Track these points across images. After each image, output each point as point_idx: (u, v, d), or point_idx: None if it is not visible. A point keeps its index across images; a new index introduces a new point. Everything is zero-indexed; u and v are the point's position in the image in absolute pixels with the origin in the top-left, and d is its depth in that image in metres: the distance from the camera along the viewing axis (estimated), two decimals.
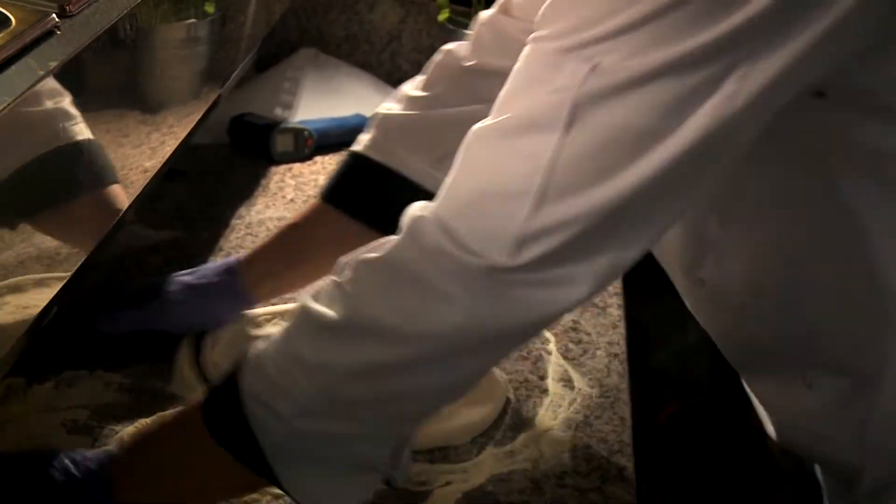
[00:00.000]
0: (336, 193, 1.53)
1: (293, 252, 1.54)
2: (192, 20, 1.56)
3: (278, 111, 2.21)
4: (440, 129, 1.48)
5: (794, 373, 1.24)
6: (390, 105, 1.54)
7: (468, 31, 1.79)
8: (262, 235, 1.79)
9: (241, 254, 1.55)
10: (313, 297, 1.08)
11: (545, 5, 1.03)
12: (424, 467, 1.33)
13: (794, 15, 0.91)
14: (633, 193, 0.95)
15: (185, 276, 1.53)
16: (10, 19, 1.10)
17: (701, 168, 0.98)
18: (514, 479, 1.32)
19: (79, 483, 1.18)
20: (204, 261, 1.72)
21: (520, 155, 0.99)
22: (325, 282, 1.09)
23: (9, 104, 0.95)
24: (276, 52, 2.39)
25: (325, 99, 2.24)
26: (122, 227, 1.39)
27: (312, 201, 1.55)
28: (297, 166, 2.06)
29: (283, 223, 1.60)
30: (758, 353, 1.31)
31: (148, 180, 1.40)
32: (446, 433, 1.35)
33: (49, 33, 1.11)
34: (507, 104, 1.03)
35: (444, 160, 1.37)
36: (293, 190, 1.99)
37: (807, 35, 0.92)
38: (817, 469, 1.40)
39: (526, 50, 1.04)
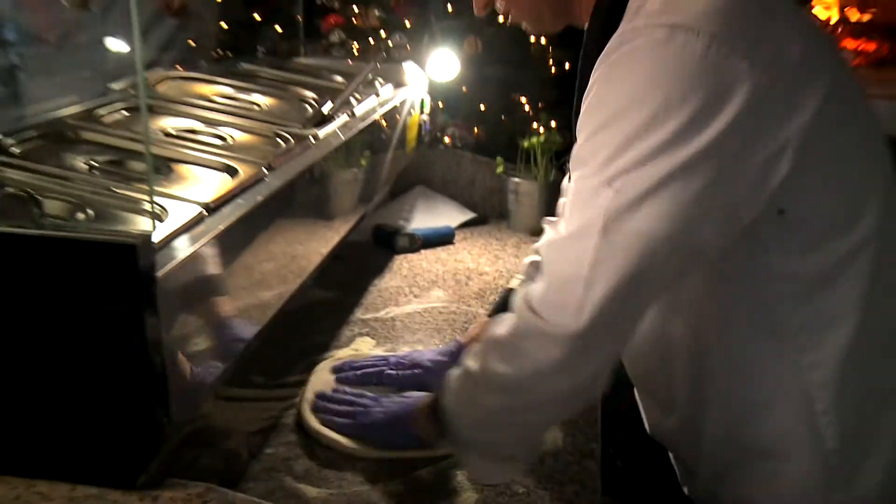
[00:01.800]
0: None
1: None
2: (354, 168, 1.67)
3: (401, 222, 2.22)
4: None
5: (666, 394, 1.22)
6: (534, 257, 1.52)
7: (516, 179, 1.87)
8: (387, 297, 1.83)
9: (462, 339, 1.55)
10: (471, 358, 1.12)
11: (574, 152, 1.04)
12: None
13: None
14: (625, 286, 0.97)
15: (433, 355, 1.51)
16: (238, 171, 1.29)
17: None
18: None
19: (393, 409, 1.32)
20: (350, 312, 1.77)
21: (574, 254, 0.99)
22: (474, 348, 1.13)
23: (227, 226, 1.11)
24: (402, 187, 2.41)
25: (429, 216, 2.29)
26: (305, 288, 1.49)
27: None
28: (410, 256, 2.08)
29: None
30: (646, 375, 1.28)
31: (322, 260, 1.52)
32: None
33: (262, 179, 1.28)
34: (565, 223, 1.02)
35: None
36: (407, 270, 2.00)
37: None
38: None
39: (572, 190, 1.03)
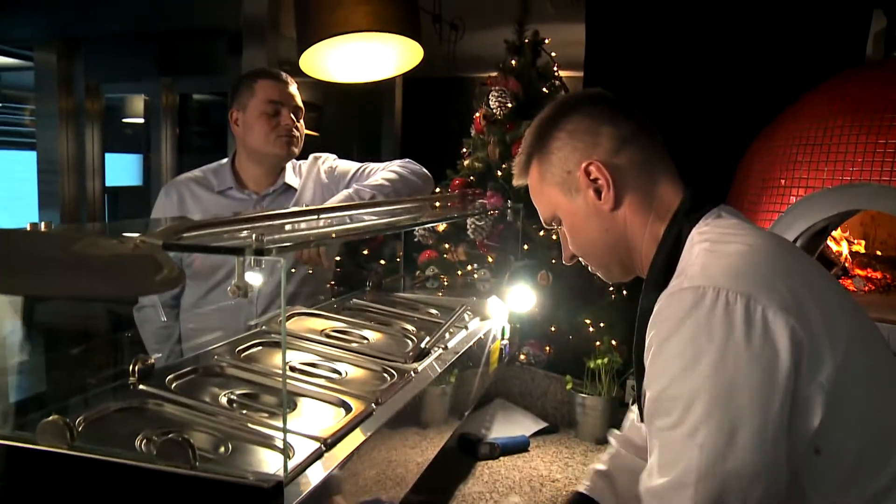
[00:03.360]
0: None
1: None
2: (447, 391, 1.64)
3: (483, 431, 2.15)
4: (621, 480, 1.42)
5: None
6: (599, 466, 1.46)
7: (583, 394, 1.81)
8: (470, 502, 1.76)
9: None
10: None
11: (648, 403, 1.03)
12: None
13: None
14: None
15: None
16: (352, 406, 1.28)
17: None
18: None
19: None
20: None
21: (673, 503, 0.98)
22: None
23: (343, 460, 1.11)
24: (484, 399, 2.32)
25: (507, 425, 2.22)
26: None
27: None
28: (490, 462, 2.00)
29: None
30: None
31: (421, 470, 1.48)
32: None
33: (370, 413, 1.27)
34: (661, 471, 1.00)
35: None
36: (487, 476, 1.93)
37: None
38: None
39: (654, 435, 1.02)
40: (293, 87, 2.30)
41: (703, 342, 0.96)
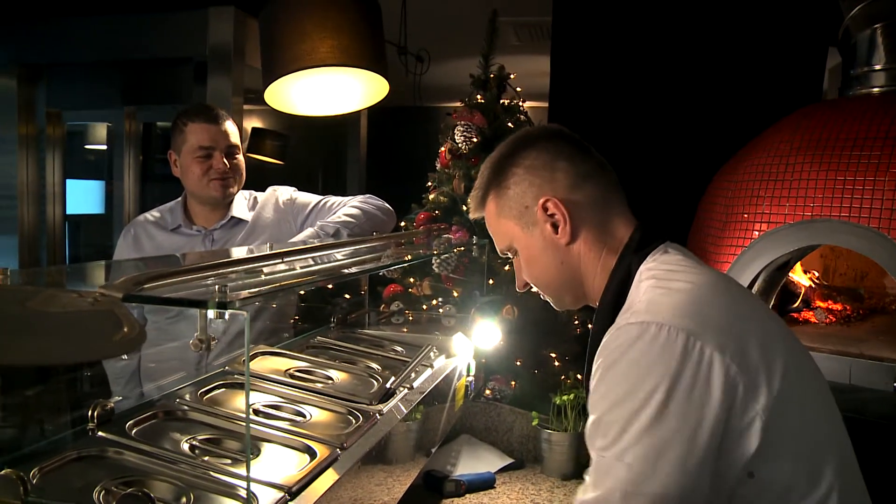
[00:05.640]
0: None
1: None
2: (413, 431, 1.62)
3: (448, 468, 2.13)
4: None
5: None
6: None
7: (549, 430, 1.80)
8: None
9: None
10: None
11: (588, 428, 1.06)
12: None
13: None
14: None
15: None
16: (316, 452, 1.26)
17: None
18: None
19: None
20: None
21: None
22: None
23: None
24: (449, 435, 2.27)
25: (473, 461, 2.19)
26: None
27: None
28: (456, 500, 1.97)
29: None
30: None
31: None
32: None
33: (336, 458, 1.26)
34: (592, 487, 1.02)
35: None
36: None
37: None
38: None
39: (592, 456, 1.05)
40: (227, 124, 2.29)
41: (643, 372, 1.01)
